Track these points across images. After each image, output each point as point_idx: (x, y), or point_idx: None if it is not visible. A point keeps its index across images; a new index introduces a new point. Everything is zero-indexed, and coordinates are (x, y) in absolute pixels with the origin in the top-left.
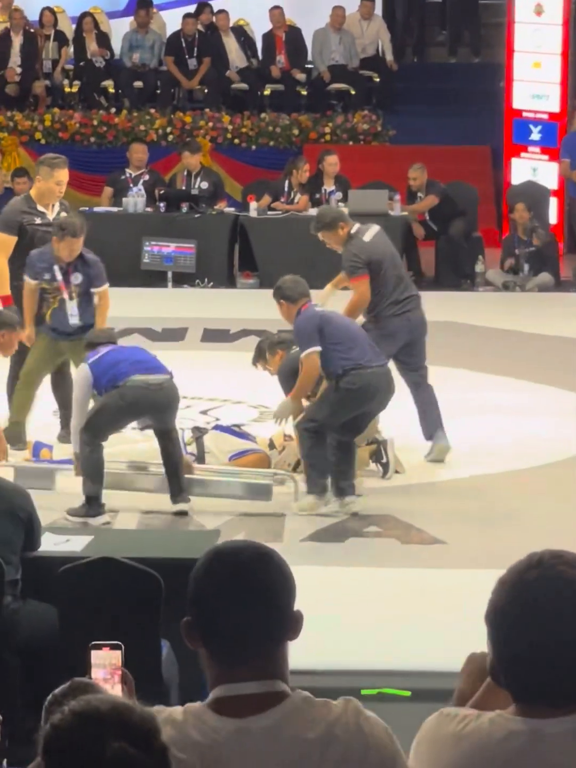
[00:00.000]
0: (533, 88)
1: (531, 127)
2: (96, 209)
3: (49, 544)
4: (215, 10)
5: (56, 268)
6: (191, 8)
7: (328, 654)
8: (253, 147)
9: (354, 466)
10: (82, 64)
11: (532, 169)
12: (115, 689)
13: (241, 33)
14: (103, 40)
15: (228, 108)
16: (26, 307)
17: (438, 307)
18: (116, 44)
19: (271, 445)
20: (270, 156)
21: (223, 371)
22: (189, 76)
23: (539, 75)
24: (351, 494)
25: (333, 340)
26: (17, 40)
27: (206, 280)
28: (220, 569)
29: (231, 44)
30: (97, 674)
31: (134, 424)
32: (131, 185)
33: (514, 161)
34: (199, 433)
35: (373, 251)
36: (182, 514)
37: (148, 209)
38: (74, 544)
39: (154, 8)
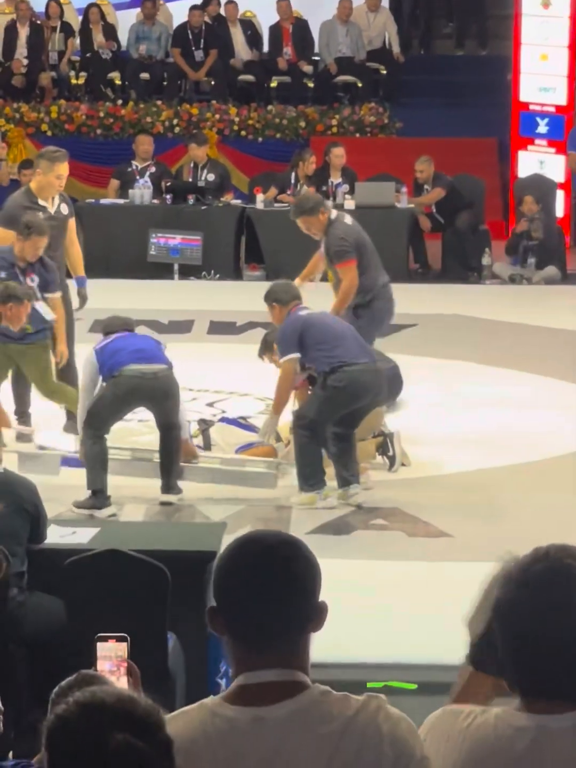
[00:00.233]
0: (540, 81)
1: (538, 119)
2: (102, 201)
3: (55, 536)
4: (223, 1)
5: (16, 268)
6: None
7: (334, 647)
8: (260, 139)
9: (354, 455)
10: (88, 55)
11: (539, 161)
12: (120, 681)
13: (248, 25)
14: (110, 31)
15: (235, 100)
16: None
17: (444, 299)
18: (123, 36)
19: (278, 438)
20: (277, 148)
21: (229, 363)
22: (195, 68)
23: (546, 68)
24: (354, 483)
25: (315, 341)
26: (23, 32)
27: (213, 272)
28: (246, 557)
29: (238, 36)
30: (103, 666)
31: (140, 417)
32: (138, 177)
33: (521, 154)
34: (205, 425)
35: (357, 234)
36: (167, 504)
37: (155, 201)
38: (80, 537)
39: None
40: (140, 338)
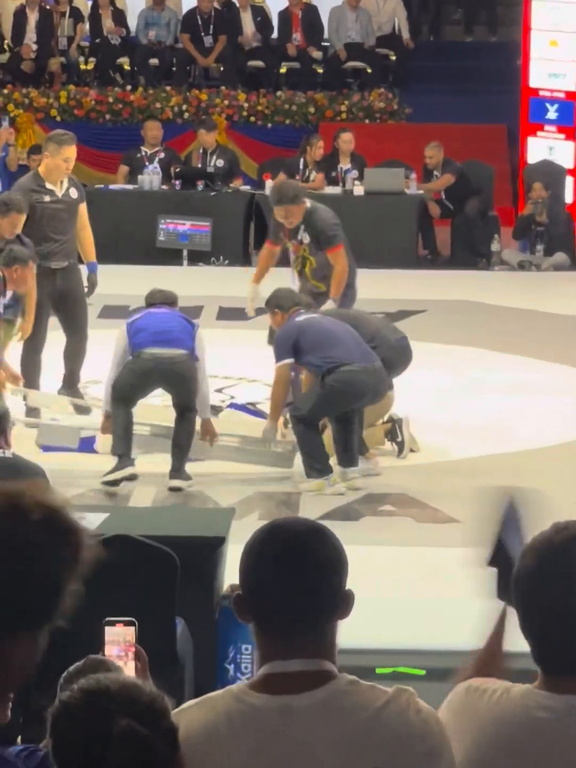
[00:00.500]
0: (550, 67)
1: (547, 105)
2: (111, 187)
3: None
4: None
5: None
6: None
7: (343, 633)
8: (269, 125)
9: (353, 436)
10: (97, 41)
11: (549, 147)
12: (128, 666)
13: (258, 11)
14: (119, 16)
15: (244, 85)
16: None
17: (453, 286)
18: (132, 21)
19: (286, 423)
20: (286, 134)
21: (238, 349)
22: (205, 54)
23: (556, 53)
24: (352, 465)
25: (310, 346)
26: (33, 17)
27: (221, 258)
28: (273, 544)
29: (248, 21)
30: (111, 651)
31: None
32: (147, 163)
33: (531, 140)
34: (214, 411)
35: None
36: (176, 490)
37: (164, 187)
38: (89, 522)
39: None
40: (168, 318)
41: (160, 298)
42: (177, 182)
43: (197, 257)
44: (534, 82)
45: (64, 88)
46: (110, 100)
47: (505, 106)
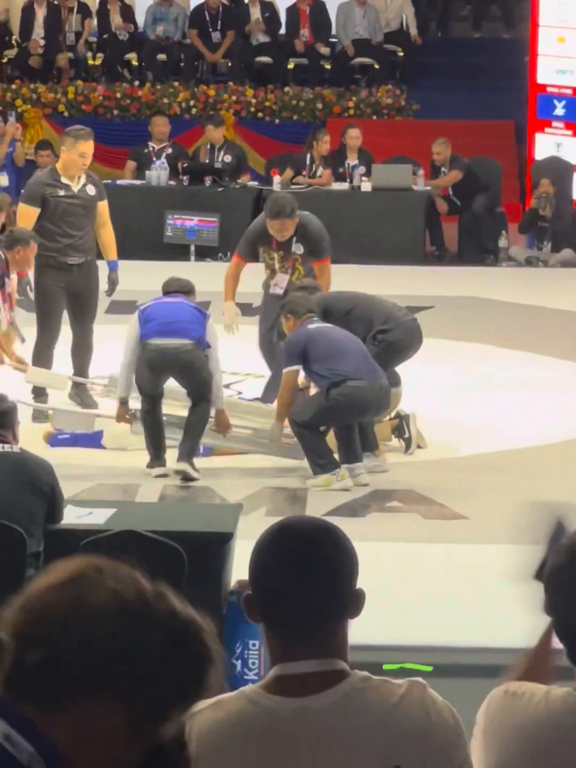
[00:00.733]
0: (558, 63)
1: (555, 102)
2: (119, 182)
3: (72, 517)
4: None
5: None
6: None
7: (351, 629)
8: (277, 121)
9: (354, 433)
10: (105, 36)
11: (556, 144)
12: None
13: (267, 6)
14: (127, 12)
15: (251, 81)
16: None
17: (461, 282)
18: (140, 17)
19: None
20: (293, 130)
21: (245, 345)
22: (213, 49)
23: (564, 50)
24: (357, 461)
25: (317, 356)
26: (41, 12)
27: (229, 253)
28: (283, 543)
29: (256, 16)
30: None
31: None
32: (154, 158)
33: (538, 136)
34: None
35: None
36: (181, 473)
37: (171, 182)
38: (96, 517)
39: None
40: (178, 307)
41: (175, 287)
42: (184, 178)
43: (205, 253)
44: (542, 78)
45: (71, 83)
46: (118, 95)
47: (513, 103)
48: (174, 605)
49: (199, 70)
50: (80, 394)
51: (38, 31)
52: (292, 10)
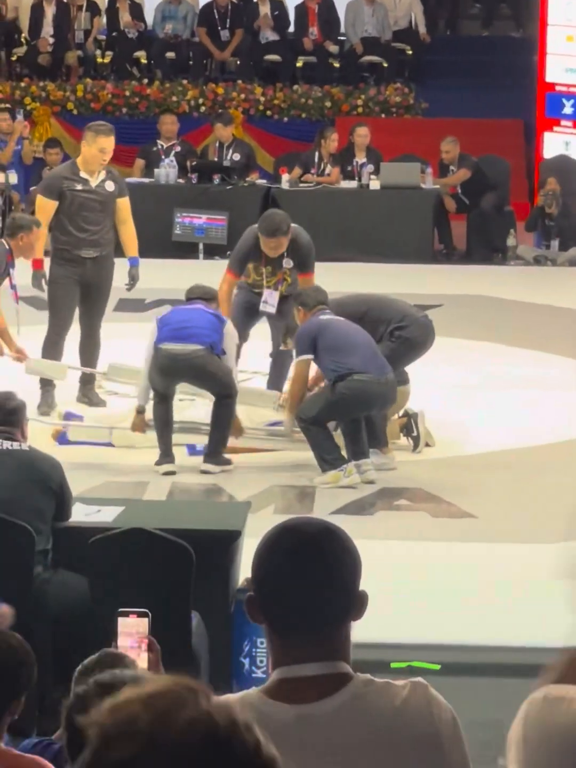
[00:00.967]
0: (566, 62)
1: (564, 100)
2: (128, 180)
3: (80, 514)
4: None
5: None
6: None
7: (358, 627)
8: (285, 119)
9: (361, 429)
10: (114, 34)
11: (565, 143)
12: (141, 657)
13: (277, 5)
14: (136, 10)
15: (260, 79)
16: None
17: (469, 280)
18: (149, 15)
19: None
20: (302, 128)
21: (254, 342)
22: (221, 48)
23: (572, 49)
24: (364, 457)
25: (327, 346)
26: (50, 10)
27: None
28: (285, 544)
29: (266, 13)
30: (124, 642)
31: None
32: (163, 156)
33: (547, 135)
34: None
35: None
36: (206, 473)
37: (180, 180)
38: (105, 515)
39: None
40: (193, 313)
41: (197, 293)
42: (193, 176)
43: (213, 251)
44: (550, 77)
45: (80, 81)
46: (127, 93)
47: (522, 102)
48: (260, 738)
49: (207, 68)
50: (87, 393)
51: (47, 29)
52: (300, 9)
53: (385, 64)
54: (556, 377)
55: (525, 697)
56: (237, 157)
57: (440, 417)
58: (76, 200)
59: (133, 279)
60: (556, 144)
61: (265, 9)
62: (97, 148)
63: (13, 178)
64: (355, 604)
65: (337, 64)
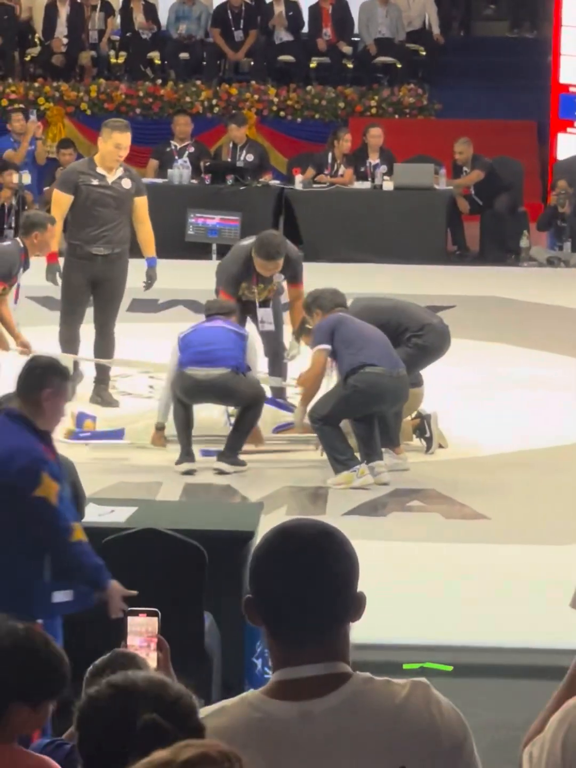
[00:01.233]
0: None
1: None
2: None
3: (93, 514)
4: None
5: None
6: None
7: (370, 628)
8: (299, 120)
9: (375, 430)
10: (128, 35)
11: None
12: (150, 657)
13: (291, 5)
14: (150, 11)
15: (274, 80)
16: None
17: (482, 281)
18: (163, 15)
19: None
20: (315, 129)
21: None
22: (235, 48)
23: None
24: (376, 459)
25: (343, 338)
26: (64, 10)
27: None
28: (282, 547)
29: (280, 14)
30: (133, 641)
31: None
32: (176, 157)
33: (561, 136)
34: None
35: None
36: (220, 472)
37: (193, 181)
38: (118, 515)
39: None
40: (215, 333)
41: (215, 309)
42: (206, 176)
43: (226, 251)
44: (564, 78)
45: (94, 82)
46: (140, 94)
47: (535, 103)
48: None
49: (221, 68)
50: (101, 393)
51: (61, 29)
52: (314, 9)
53: (399, 65)
54: (569, 378)
55: (539, 698)
56: (250, 157)
57: (453, 418)
58: (91, 195)
59: (150, 279)
60: (569, 145)
61: (279, 8)
62: (113, 144)
63: (27, 178)
64: (353, 605)
65: (350, 65)
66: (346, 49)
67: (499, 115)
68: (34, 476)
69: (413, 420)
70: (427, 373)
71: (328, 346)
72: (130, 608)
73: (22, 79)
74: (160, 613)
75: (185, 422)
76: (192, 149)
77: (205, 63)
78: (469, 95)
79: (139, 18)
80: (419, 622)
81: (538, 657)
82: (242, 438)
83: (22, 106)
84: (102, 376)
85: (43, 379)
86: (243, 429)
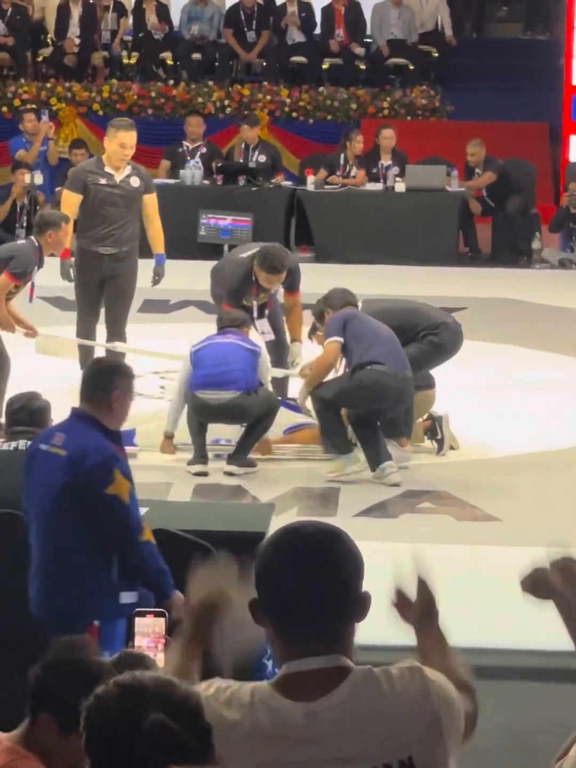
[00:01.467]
0: None
1: None
2: (153, 181)
3: None
4: None
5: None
6: None
7: (380, 630)
8: (311, 121)
9: (379, 434)
10: (140, 35)
11: None
12: (158, 657)
13: (304, 6)
14: (162, 11)
15: (286, 81)
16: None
17: (494, 283)
18: (175, 16)
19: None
20: (327, 130)
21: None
22: (247, 49)
23: None
24: (387, 459)
25: (353, 333)
26: (76, 11)
27: None
28: (287, 548)
29: (293, 15)
30: (141, 642)
31: None
32: (188, 158)
33: (573, 138)
34: None
35: None
36: (228, 474)
37: (205, 182)
38: None
39: None
40: (228, 351)
41: (227, 322)
42: (218, 177)
43: None
44: None
45: (106, 82)
46: (152, 94)
47: (548, 104)
48: None
49: (233, 69)
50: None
51: (73, 29)
52: (327, 10)
53: (411, 67)
54: None
55: (550, 701)
56: (262, 158)
57: (465, 420)
58: (99, 194)
59: (157, 275)
60: None
61: (292, 9)
62: (118, 143)
63: (39, 178)
64: (358, 605)
65: (363, 66)
66: (359, 50)
67: (511, 116)
68: (106, 473)
69: (425, 422)
70: (439, 374)
71: (340, 339)
72: (137, 609)
73: (35, 79)
74: (167, 614)
75: (199, 426)
76: (204, 150)
77: (217, 64)
78: (482, 97)
79: (151, 18)
80: None
81: (549, 659)
82: (253, 441)
83: (34, 106)
84: None
85: (111, 381)
86: (255, 433)
